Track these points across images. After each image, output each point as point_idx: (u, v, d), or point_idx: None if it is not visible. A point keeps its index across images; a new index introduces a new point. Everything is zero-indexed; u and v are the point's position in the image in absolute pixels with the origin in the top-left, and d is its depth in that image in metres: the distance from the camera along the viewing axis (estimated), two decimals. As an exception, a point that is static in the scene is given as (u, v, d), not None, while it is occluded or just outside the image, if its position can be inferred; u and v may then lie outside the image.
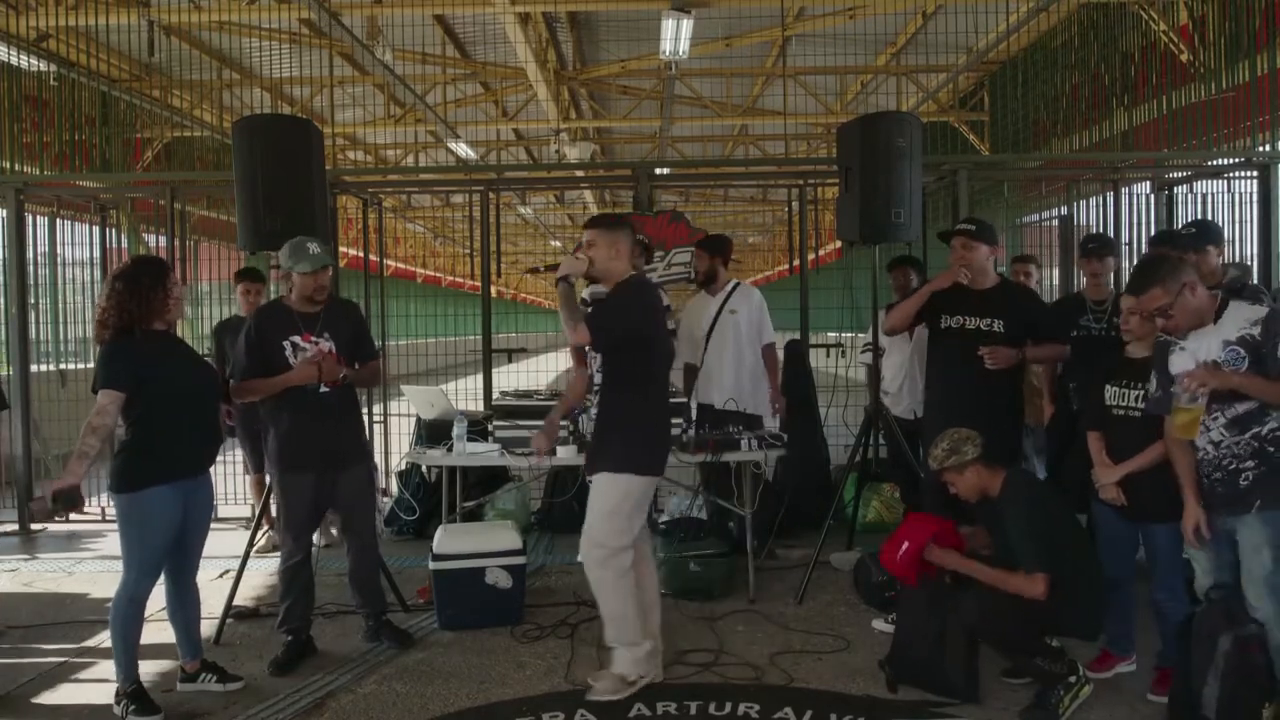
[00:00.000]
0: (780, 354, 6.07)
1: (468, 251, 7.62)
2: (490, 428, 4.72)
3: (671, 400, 4.52)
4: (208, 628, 3.99)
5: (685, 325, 5.44)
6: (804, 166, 8.16)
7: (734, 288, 5.36)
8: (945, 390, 4.26)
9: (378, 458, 6.26)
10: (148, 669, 3.55)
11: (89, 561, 5.56)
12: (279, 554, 4.01)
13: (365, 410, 5.73)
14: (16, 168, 9.01)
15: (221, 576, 4.91)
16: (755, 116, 14.16)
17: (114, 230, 7.08)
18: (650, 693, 3.51)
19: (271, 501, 4.03)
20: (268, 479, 4.76)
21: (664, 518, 5.44)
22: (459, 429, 4.54)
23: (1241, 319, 2.99)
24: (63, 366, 8.08)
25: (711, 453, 4.47)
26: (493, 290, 6.67)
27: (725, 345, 5.25)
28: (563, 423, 4.45)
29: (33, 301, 6.74)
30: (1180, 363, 3.07)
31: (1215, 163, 6.63)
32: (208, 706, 3.48)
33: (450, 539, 4.33)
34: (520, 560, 4.28)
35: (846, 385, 5.89)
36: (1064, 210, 6.95)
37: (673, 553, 4.66)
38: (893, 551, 3.58)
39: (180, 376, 3.37)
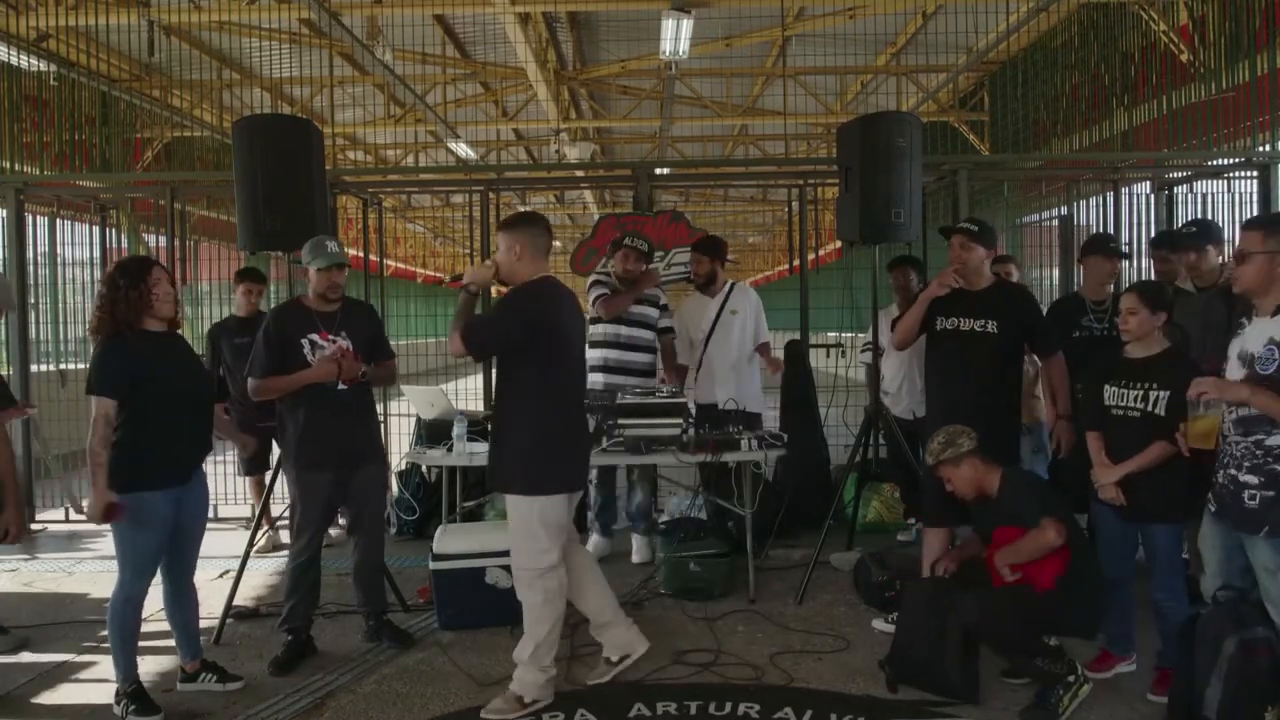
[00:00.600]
0: (780, 354, 6.10)
1: (468, 252, 7.62)
2: (490, 428, 4.71)
3: (668, 400, 4.56)
4: (208, 628, 3.99)
5: (681, 326, 5.44)
6: (804, 166, 8.15)
7: (732, 288, 5.39)
8: (943, 391, 4.25)
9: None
10: (148, 669, 3.55)
11: (89, 561, 5.56)
12: (280, 553, 4.01)
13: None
14: (16, 168, 9.01)
15: (221, 576, 4.91)
16: (755, 116, 14.16)
17: (114, 230, 7.09)
18: (650, 692, 3.51)
19: (271, 501, 4.04)
20: (267, 479, 4.78)
21: (664, 518, 5.45)
22: (459, 429, 4.54)
23: None
24: (63, 366, 8.08)
25: (711, 453, 4.48)
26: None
27: (728, 345, 5.29)
28: None
29: (33, 301, 6.74)
30: (1233, 347, 2.99)
31: (1215, 163, 6.63)
32: (208, 706, 3.48)
33: (450, 539, 4.34)
34: (520, 560, 4.28)
35: (846, 385, 5.90)
36: (1064, 210, 6.95)
37: (673, 553, 4.66)
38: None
39: (172, 378, 3.35)
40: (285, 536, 4.75)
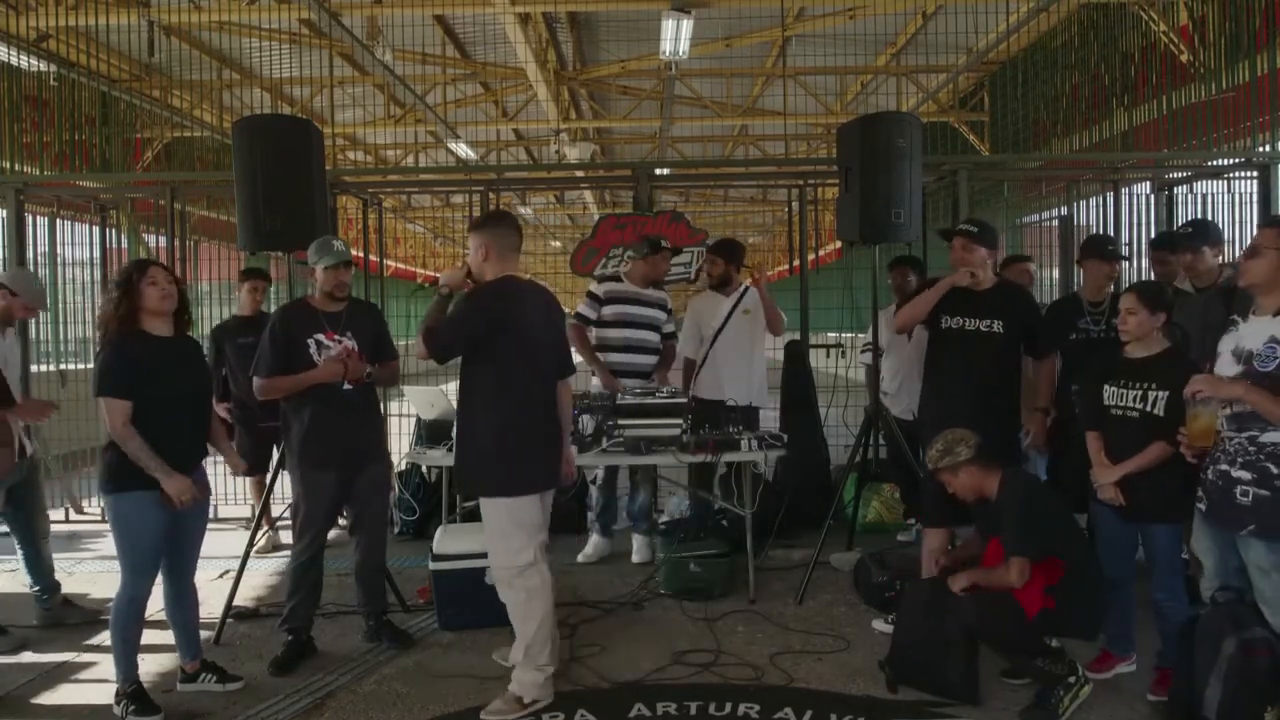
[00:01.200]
0: (780, 354, 6.11)
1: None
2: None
3: (668, 400, 4.56)
4: (207, 628, 3.99)
5: (692, 322, 5.48)
6: (804, 167, 8.15)
7: (745, 289, 5.42)
8: (944, 391, 4.26)
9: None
10: (148, 669, 3.55)
11: (89, 561, 5.56)
12: (280, 553, 4.01)
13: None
14: (16, 168, 9.01)
15: (221, 576, 4.91)
16: (755, 117, 14.16)
17: (114, 230, 7.08)
18: (650, 693, 3.51)
19: (272, 501, 4.04)
20: (267, 479, 4.78)
21: (664, 518, 5.45)
22: (459, 429, 4.53)
23: None
24: (63, 366, 8.07)
25: (711, 453, 4.48)
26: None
27: (740, 343, 5.32)
28: None
29: (33, 302, 6.72)
30: (1226, 342, 3.01)
31: (1215, 163, 6.63)
32: (208, 706, 3.48)
33: (450, 539, 4.34)
34: (520, 560, 4.27)
35: (846, 385, 5.90)
36: (1064, 210, 6.95)
37: (673, 553, 4.66)
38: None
39: (172, 380, 3.35)
40: (285, 537, 4.75)
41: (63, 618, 4.36)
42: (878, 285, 4.98)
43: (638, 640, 4.09)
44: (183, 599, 3.57)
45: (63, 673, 3.85)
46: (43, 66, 9.28)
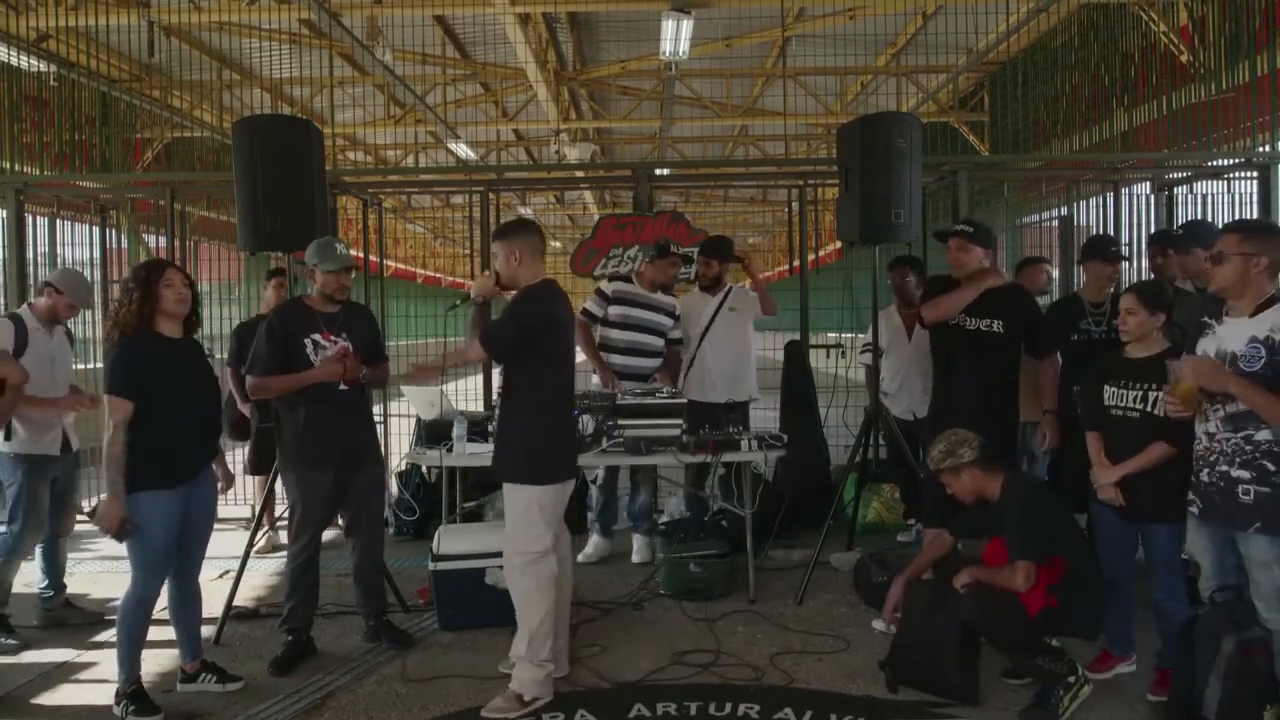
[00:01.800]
0: (779, 354, 6.11)
1: (468, 252, 7.62)
2: (490, 428, 4.71)
3: (668, 401, 4.57)
4: (208, 628, 3.99)
5: (681, 323, 5.47)
6: (804, 167, 8.15)
7: (730, 288, 5.46)
8: (946, 390, 4.27)
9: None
10: (147, 669, 3.55)
11: (89, 562, 5.56)
12: (280, 553, 4.01)
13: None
14: (16, 168, 9.01)
15: (221, 577, 4.91)
16: (755, 117, 14.16)
17: (114, 231, 7.08)
18: (650, 693, 3.51)
19: (274, 501, 4.05)
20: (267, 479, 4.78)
21: (664, 518, 5.45)
22: (459, 429, 4.54)
23: (1276, 318, 2.88)
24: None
25: (712, 453, 4.48)
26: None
27: (728, 341, 5.35)
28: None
29: (33, 302, 6.72)
30: (1205, 345, 3.02)
31: (1215, 163, 6.63)
32: (208, 707, 3.48)
33: (450, 539, 4.33)
34: (520, 560, 4.27)
35: (846, 385, 5.90)
36: (1064, 211, 6.95)
37: (673, 553, 4.66)
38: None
39: (180, 381, 3.37)
40: (285, 537, 4.75)
41: (63, 618, 4.36)
42: (878, 285, 4.98)
43: (638, 640, 4.09)
44: (187, 598, 3.58)
45: (63, 673, 3.85)
46: (43, 66, 9.28)
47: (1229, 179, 6.50)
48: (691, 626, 4.26)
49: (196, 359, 3.53)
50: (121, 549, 3.36)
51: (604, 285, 5.34)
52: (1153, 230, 6.44)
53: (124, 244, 8.00)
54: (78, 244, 7.01)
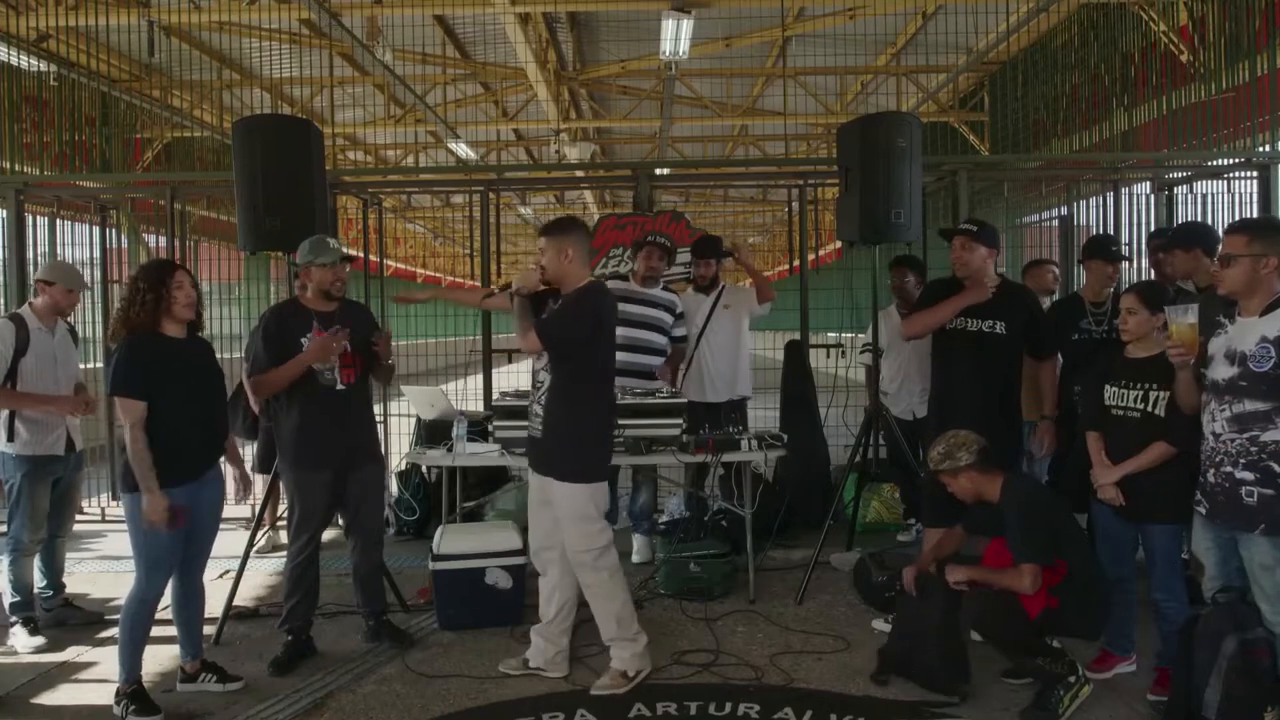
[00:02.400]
0: (779, 354, 6.10)
1: (468, 252, 7.62)
2: (490, 428, 4.72)
3: (665, 400, 4.57)
4: (208, 628, 3.99)
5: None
6: (804, 167, 8.14)
7: (723, 287, 5.47)
8: (947, 391, 4.26)
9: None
10: (147, 669, 3.55)
11: (89, 562, 5.56)
12: (280, 553, 4.01)
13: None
14: (17, 168, 9.01)
15: (221, 577, 4.90)
16: (755, 117, 14.16)
17: (114, 230, 7.08)
18: (650, 693, 3.51)
19: (276, 501, 4.05)
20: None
21: (664, 518, 5.45)
22: (459, 429, 4.54)
23: None
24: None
25: (712, 453, 4.48)
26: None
27: (724, 339, 5.35)
28: None
29: (33, 302, 6.72)
30: (1216, 345, 3.02)
31: (1215, 163, 6.63)
32: (208, 707, 3.48)
33: (450, 539, 4.33)
34: (520, 560, 4.28)
35: (846, 385, 5.90)
36: (1064, 210, 6.94)
37: (673, 553, 4.66)
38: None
39: (186, 382, 3.38)
40: (285, 537, 4.75)
41: (63, 618, 4.36)
42: (877, 285, 4.98)
43: (638, 640, 4.09)
44: (191, 598, 3.59)
45: (63, 673, 3.85)
46: (43, 66, 9.27)
47: (1229, 179, 6.50)
48: (691, 626, 4.26)
49: (202, 359, 3.53)
50: (122, 549, 3.37)
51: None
52: (1153, 230, 6.44)
53: (124, 244, 8.00)
54: (78, 244, 7.02)
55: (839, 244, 7.26)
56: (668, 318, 5.25)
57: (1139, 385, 3.38)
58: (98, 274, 6.71)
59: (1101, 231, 6.48)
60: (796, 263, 6.64)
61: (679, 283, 6.12)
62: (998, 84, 11.98)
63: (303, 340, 3.80)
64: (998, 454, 3.64)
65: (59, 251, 6.87)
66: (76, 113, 9.83)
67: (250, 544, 4.41)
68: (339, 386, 3.83)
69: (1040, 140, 10.65)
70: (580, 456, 3.58)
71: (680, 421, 4.53)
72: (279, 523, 5.64)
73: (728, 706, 3.40)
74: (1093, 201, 6.82)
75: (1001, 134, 11.81)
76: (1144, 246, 6.35)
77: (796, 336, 6.37)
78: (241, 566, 4.34)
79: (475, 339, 6.66)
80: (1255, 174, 6.30)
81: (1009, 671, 3.56)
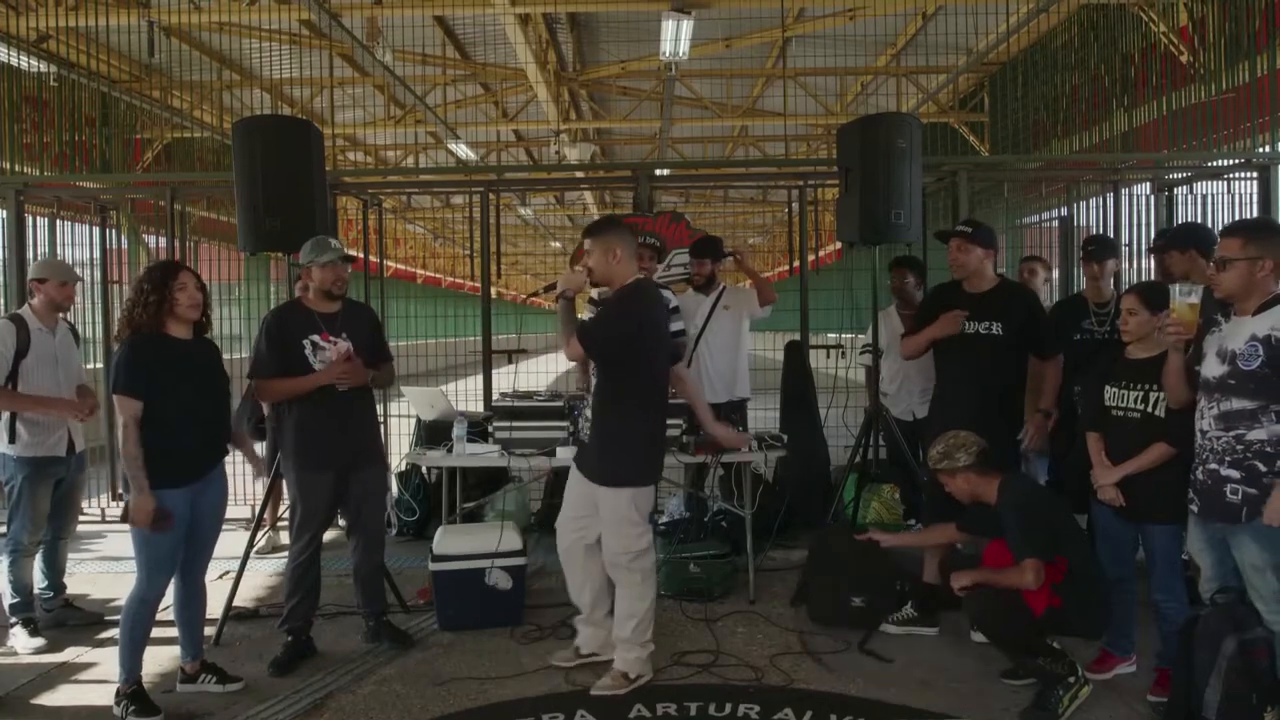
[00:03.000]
0: (779, 354, 6.10)
1: (468, 252, 7.61)
2: (490, 429, 4.72)
3: (672, 401, 4.57)
4: (207, 628, 3.99)
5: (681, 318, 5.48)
6: (804, 167, 8.13)
7: (723, 287, 5.47)
8: (947, 392, 4.26)
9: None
10: (147, 669, 3.54)
11: (89, 562, 5.56)
12: (280, 553, 4.00)
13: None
14: (17, 169, 9.01)
15: (221, 577, 4.90)
16: (755, 117, 14.17)
17: (114, 231, 7.08)
18: (650, 693, 3.51)
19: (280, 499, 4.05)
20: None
21: (664, 518, 5.44)
22: (459, 430, 4.54)
23: (1277, 318, 2.89)
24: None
25: (711, 453, 4.47)
26: (492, 291, 6.67)
27: (724, 340, 5.36)
28: (562, 423, 4.47)
29: (32, 303, 6.72)
30: (1210, 343, 3.04)
31: (1215, 164, 6.63)
32: (208, 707, 3.48)
33: (450, 540, 4.33)
34: (520, 561, 4.28)
35: (846, 386, 5.90)
36: (1064, 211, 6.94)
37: (673, 553, 4.66)
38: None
39: (189, 382, 3.38)
40: (285, 537, 4.75)
41: (64, 619, 4.36)
42: (877, 286, 4.98)
43: (638, 641, 4.08)
44: (192, 598, 3.59)
45: (63, 673, 3.84)
46: (43, 67, 9.28)
47: (1229, 179, 6.50)
48: (691, 627, 4.26)
49: (206, 360, 3.52)
50: (123, 549, 3.37)
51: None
52: (1152, 230, 6.45)
53: (124, 244, 8.00)
54: (78, 244, 7.01)
55: (839, 244, 7.26)
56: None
57: (1139, 386, 3.38)
58: (98, 274, 6.71)
59: (1101, 232, 6.48)
60: (796, 263, 6.64)
61: (679, 283, 6.12)
62: (998, 85, 11.99)
63: (305, 342, 3.80)
64: (997, 455, 3.64)
65: (59, 252, 6.87)
66: (76, 113, 9.83)
67: (250, 544, 4.41)
68: (341, 388, 3.82)
69: (1040, 141, 10.66)
70: (624, 462, 3.53)
71: (680, 422, 4.53)
72: (279, 523, 5.64)
73: (728, 707, 3.40)
74: (1093, 202, 6.82)
75: (1001, 134, 11.83)
76: (1144, 247, 6.37)
77: (796, 337, 6.37)
78: (241, 567, 4.34)
79: (475, 339, 6.67)
80: (1255, 175, 6.30)
81: (1008, 672, 3.56)
